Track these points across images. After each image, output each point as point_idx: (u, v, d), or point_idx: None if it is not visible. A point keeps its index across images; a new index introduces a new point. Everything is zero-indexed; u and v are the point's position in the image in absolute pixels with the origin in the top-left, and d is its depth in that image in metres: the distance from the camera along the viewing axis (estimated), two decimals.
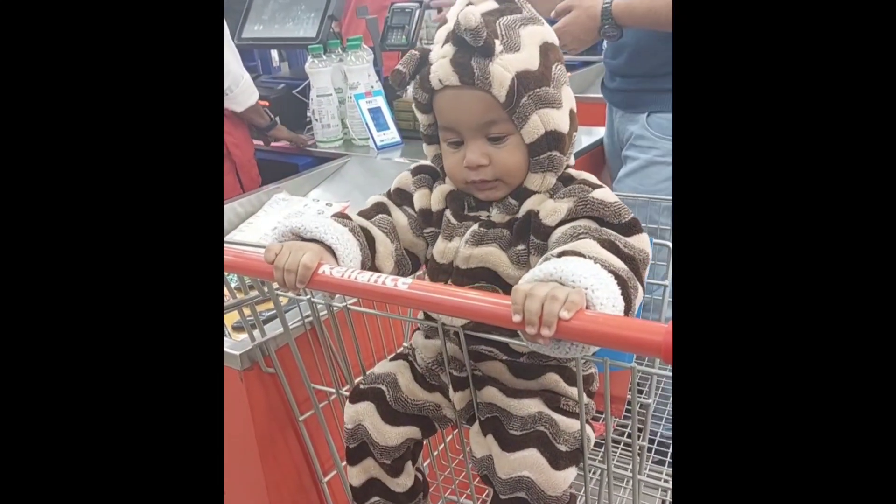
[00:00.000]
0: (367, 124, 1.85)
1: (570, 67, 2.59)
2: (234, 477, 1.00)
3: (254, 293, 0.91)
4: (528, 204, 0.73)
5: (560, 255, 0.61)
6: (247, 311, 0.90)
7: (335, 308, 0.85)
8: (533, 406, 0.75)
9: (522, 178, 0.73)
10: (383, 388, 0.81)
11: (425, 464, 0.93)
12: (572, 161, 0.75)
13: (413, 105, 0.76)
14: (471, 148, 0.72)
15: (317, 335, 0.92)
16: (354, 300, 0.86)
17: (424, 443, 0.88)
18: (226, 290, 0.91)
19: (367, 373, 0.86)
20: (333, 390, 0.90)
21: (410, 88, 0.76)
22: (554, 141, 0.70)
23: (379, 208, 0.81)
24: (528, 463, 0.71)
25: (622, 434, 1.05)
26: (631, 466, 0.77)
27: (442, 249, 0.77)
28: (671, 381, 1.17)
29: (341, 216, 0.77)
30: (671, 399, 1.20)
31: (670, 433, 1.15)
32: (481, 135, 0.71)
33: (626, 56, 1.43)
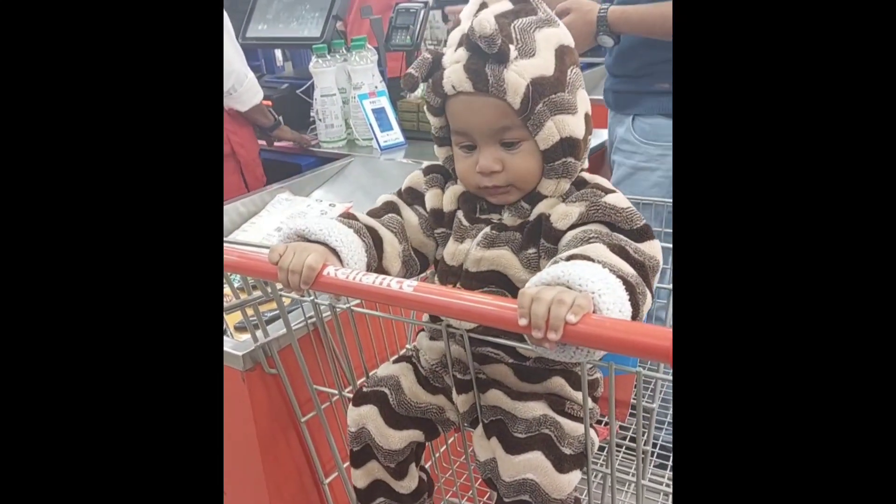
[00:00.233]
0: (370, 125, 1.85)
1: None
2: (236, 477, 0.99)
3: (257, 293, 0.91)
4: (540, 207, 0.72)
5: (569, 258, 0.61)
6: (250, 312, 0.90)
7: (338, 309, 0.85)
8: (538, 409, 0.74)
9: (536, 184, 0.72)
10: (386, 391, 0.81)
11: (427, 465, 0.93)
12: (586, 164, 0.75)
13: (425, 107, 0.76)
14: (484, 153, 0.71)
15: (320, 336, 0.92)
16: (358, 301, 0.86)
17: (427, 444, 0.87)
18: (229, 291, 0.91)
19: (371, 375, 0.85)
20: (336, 392, 0.90)
21: (420, 90, 0.75)
22: (569, 147, 0.70)
23: (389, 207, 0.80)
24: (533, 465, 0.71)
25: (625, 438, 1.05)
26: (634, 470, 0.76)
27: (452, 251, 0.76)
28: None
29: (348, 216, 0.76)
30: None
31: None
32: (495, 140, 0.70)
33: (613, 56, 1.45)
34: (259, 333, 0.90)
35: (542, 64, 0.68)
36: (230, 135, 1.81)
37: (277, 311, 0.89)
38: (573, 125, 0.70)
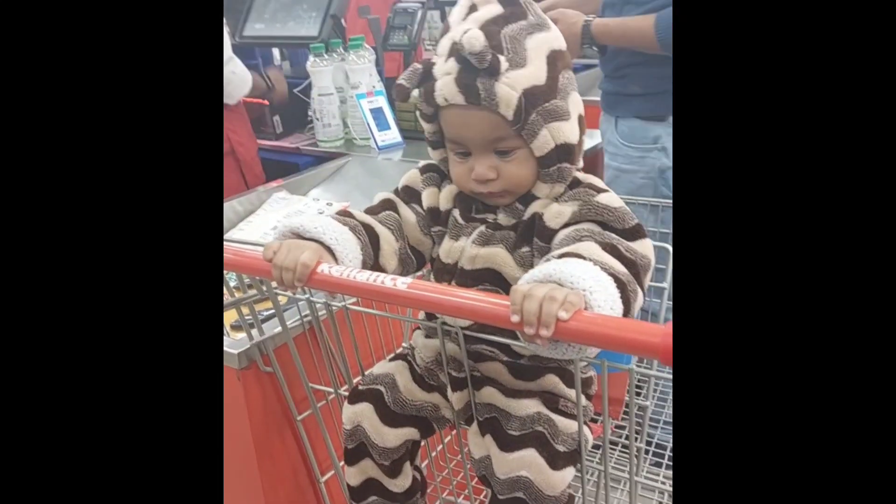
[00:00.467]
0: (368, 124, 1.85)
1: None
2: (231, 476, 1.00)
3: (252, 292, 0.91)
4: (534, 207, 0.73)
5: (560, 256, 0.61)
6: (245, 310, 0.90)
7: (334, 308, 0.85)
8: (532, 406, 0.75)
9: (531, 187, 0.73)
10: (381, 388, 0.81)
11: (423, 464, 0.93)
12: (581, 163, 0.75)
13: (417, 114, 0.76)
14: (479, 161, 0.71)
15: (315, 334, 0.92)
16: (354, 300, 0.86)
17: (423, 443, 0.87)
18: (224, 289, 0.91)
19: (366, 373, 0.86)
20: (332, 390, 0.90)
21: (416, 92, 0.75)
22: (564, 153, 0.70)
23: (386, 205, 0.80)
24: (526, 463, 0.71)
25: (620, 436, 1.05)
26: (628, 468, 0.77)
27: (448, 249, 0.77)
28: (669, 384, 1.17)
29: (344, 214, 0.76)
30: (668, 402, 1.20)
31: (668, 436, 1.15)
32: (489, 149, 0.71)
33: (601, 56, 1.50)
34: (254, 332, 0.90)
35: (534, 73, 0.68)
36: (229, 133, 1.81)
37: (273, 310, 0.90)
38: (567, 131, 0.70)
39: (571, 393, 0.77)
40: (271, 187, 1.66)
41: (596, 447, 0.81)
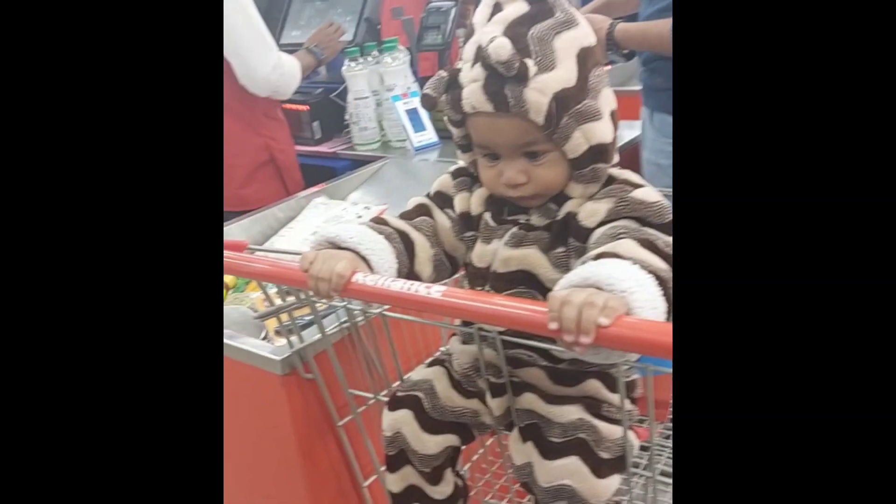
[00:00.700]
0: (404, 126, 1.85)
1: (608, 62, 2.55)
2: (276, 482, 1.01)
3: (291, 299, 0.91)
4: (568, 206, 0.71)
5: (597, 257, 0.59)
6: (284, 318, 0.91)
7: (371, 314, 0.85)
8: (573, 412, 0.73)
9: (563, 188, 0.71)
10: (420, 395, 0.81)
11: (465, 468, 0.93)
12: (616, 158, 0.72)
13: (445, 119, 0.75)
14: (509, 166, 0.70)
15: (354, 341, 0.92)
16: (390, 305, 0.86)
17: (463, 448, 0.87)
18: (264, 297, 0.92)
19: (405, 378, 0.85)
20: (371, 395, 0.90)
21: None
22: (598, 154, 0.68)
23: (421, 210, 0.80)
24: (570, 471, 0.69)
25: (668, 437, 1.02)
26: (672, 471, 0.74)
27: (480, 253, 0.76)
28: None
29: (379, 221, 0.76)
30: None
31: None
32: (519, 153, 0.69)
33: None
34: (294, 339, 0.90)
35: (564, 75, 0.66)
36: (269, 141, 1.84)
37: (312, 317, 0.90)
38: (600, 131, 0.68)
39: (614, 398, 0.75)
40: (311, 193, 1.67)
41: (644, 449, 0.79)
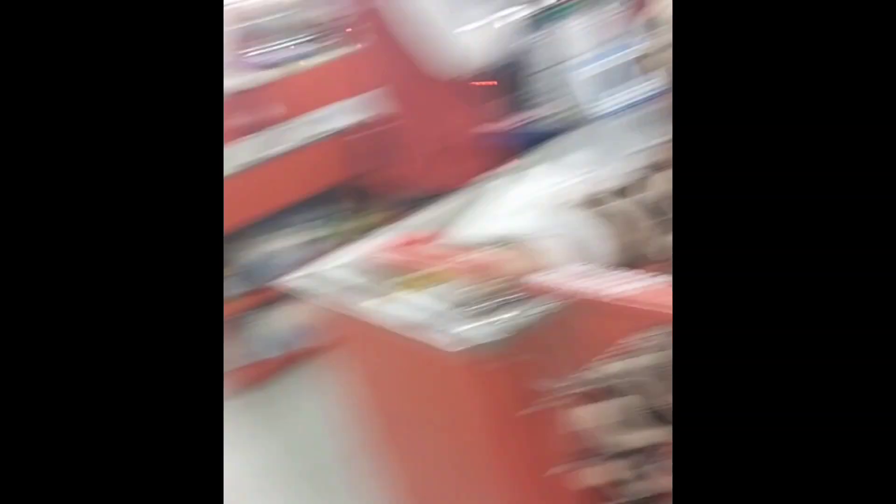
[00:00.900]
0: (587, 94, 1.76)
1: None
2: (467, 471, 1.03)
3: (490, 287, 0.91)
4: None
5: None
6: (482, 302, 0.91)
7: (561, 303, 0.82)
8: None
9: None
10: (616, 388, 0.77)
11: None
12: None
13: None
14: None
15: (544, 330, 0.90)
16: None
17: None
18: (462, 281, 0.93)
19: (599, 370, 0.82)
20: (562, 386, 0.88)
21: None
22: None
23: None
24: None
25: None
26: None
27: None
28: None
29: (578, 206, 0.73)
30: None
31: None
32: None
33: None
34: (485, 328, 0.90)
35: None
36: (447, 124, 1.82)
37: (502, 303, 0.89)
38: None
39: None
40: (506, 168, 1.64)
41: None
